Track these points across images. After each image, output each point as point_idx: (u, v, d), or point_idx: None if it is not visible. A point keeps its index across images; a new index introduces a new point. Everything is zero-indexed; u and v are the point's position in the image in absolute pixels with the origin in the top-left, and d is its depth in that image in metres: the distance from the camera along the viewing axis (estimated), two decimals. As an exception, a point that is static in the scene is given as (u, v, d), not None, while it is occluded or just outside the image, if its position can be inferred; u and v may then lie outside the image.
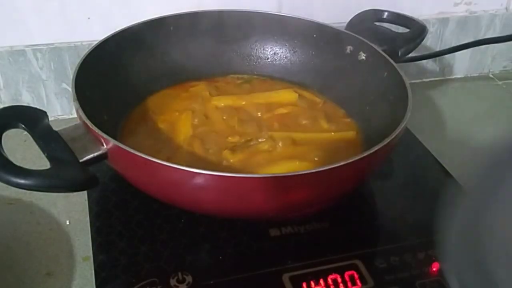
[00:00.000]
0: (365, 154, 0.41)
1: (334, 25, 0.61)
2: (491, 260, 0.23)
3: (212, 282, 0.42)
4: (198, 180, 0.39)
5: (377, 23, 0.63)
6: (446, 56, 0.74)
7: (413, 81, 0.76)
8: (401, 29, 0.62)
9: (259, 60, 0.64)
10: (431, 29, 0.71)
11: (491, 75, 0.80)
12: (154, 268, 0.43)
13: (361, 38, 0.58)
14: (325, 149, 0.52)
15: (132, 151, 0.40)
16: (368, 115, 0.56)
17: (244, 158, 0.50)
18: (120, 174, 0.45)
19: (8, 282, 0.44)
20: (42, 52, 0.60)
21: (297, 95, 0.60)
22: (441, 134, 0.66)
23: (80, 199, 0.51)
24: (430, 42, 0.73)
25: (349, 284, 0.42)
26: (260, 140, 0.53)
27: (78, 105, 0.44)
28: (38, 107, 0.45)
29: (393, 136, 0.43)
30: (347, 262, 0.44)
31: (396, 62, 0.54)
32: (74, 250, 0.47)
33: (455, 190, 0.45)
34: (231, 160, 0.50)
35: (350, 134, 0.55)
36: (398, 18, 0.63)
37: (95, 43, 0.53)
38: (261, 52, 0.64)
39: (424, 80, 0.77)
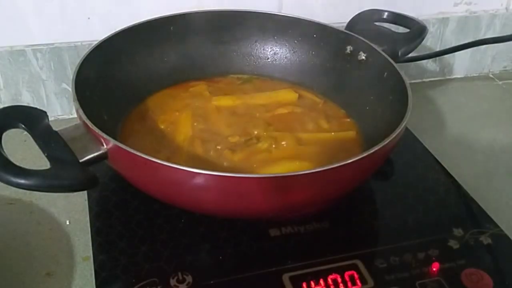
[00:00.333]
0: (365, 154, 0.41)
1: (334, 25, 0.61)
2: None
3: (212, 282, 0.42)
4: (198, 180, 0.39)
5: (377, 23, 0.63)
6: (446, 56, 0.74)
7: (413, 81, 0.76)
8: (401, 29, 0.62)
9: (259, 60, 0.64)
10: (431, 29, 0.71)
11: (491, 75, 0.80)
12: (154, 268, 0.43)
13: (361, 38, 0.58)
14: (325, 149, 0.52)
15: (132, 151, 0.40)
16: (368, 115, 0.56)
17: (244, 158, 0.50)
18: (120, 174, 0.45)
19: (8, 282, 0.44)
20: (42, 52, 0.60)
21: (297, 95, 0.60)
22: (441, 134, 0.66)
23: (80, 199, 0.51)
24: (430, 42, 0.73)
25: (349, 284, 0.42)
26: (260, 140, 0.53)
27: (78, 105, 0.44)
28: (38, 107, 0.44)
29: (393, 136, 0.43)
30: (347, 262, 0.44)
31: (396, 62, 0.54)
32: (74, 250, 0.47)
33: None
34: (231, 160, 0.50)
35: (350, 134, 0.55)
36: (398, 18, 0.63)
37: (95, 43, 0.53)
38: (261, 52, 0.64)
39: (424, 80, 0.77)
